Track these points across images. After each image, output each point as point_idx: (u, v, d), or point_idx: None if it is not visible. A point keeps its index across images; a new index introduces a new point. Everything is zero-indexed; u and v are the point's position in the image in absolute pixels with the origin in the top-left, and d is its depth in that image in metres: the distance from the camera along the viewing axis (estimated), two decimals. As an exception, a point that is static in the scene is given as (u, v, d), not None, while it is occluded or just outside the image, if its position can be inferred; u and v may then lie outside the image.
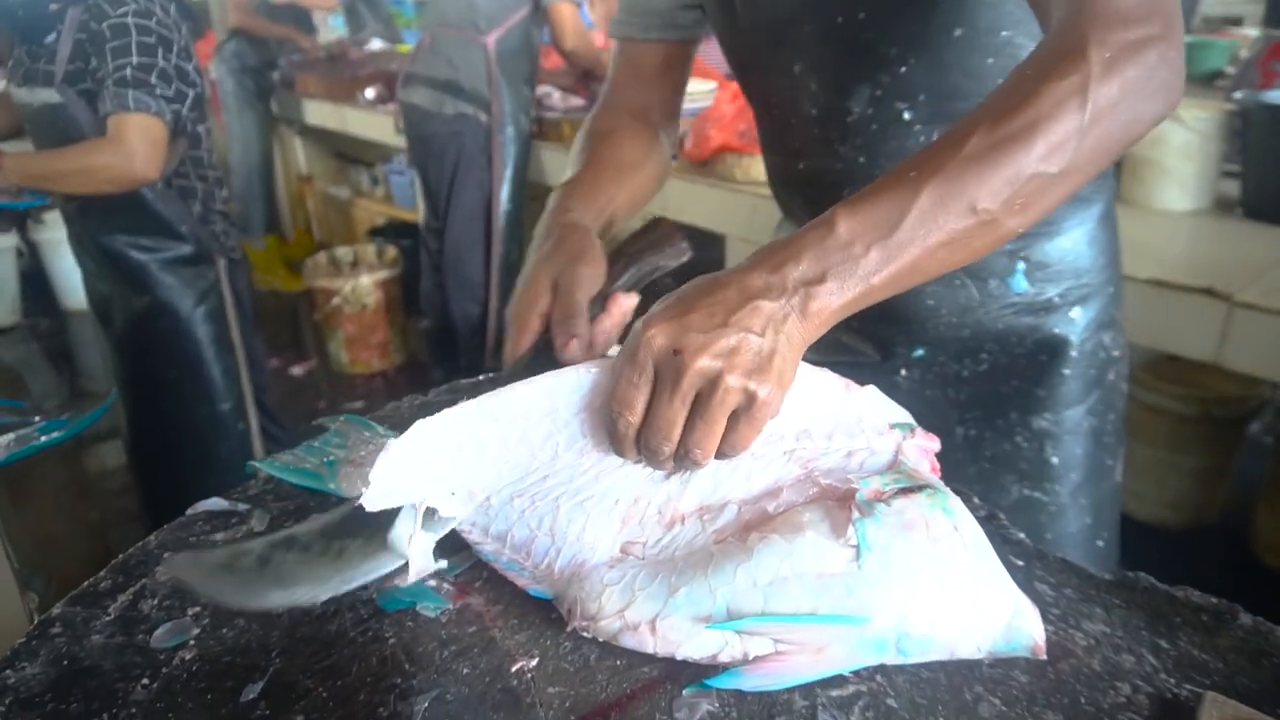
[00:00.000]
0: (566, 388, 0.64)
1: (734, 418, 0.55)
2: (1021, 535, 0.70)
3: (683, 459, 0.57)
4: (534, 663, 0.56)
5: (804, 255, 0.55)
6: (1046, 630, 0.57)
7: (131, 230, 1.84)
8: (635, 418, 0.56)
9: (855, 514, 0.55)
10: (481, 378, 0.95)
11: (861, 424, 0.66)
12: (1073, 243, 0.88)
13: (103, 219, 1.85)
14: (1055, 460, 0.91)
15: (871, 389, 0.68)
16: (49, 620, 0.61)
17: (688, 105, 2.40)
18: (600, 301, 0.75)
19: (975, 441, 0.92)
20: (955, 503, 0.58)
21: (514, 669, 0.56)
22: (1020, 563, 0.65)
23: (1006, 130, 0.55)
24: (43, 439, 1.02)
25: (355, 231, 4.26)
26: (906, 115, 0.82)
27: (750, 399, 0.54)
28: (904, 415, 0.68)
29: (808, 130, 0.87)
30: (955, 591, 0.54)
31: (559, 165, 2.75)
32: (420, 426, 0.63)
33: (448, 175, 2.68)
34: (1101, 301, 0.92)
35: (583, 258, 0.73)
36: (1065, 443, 0.91)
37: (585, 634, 0.57)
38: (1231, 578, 2.15)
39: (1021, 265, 0.87)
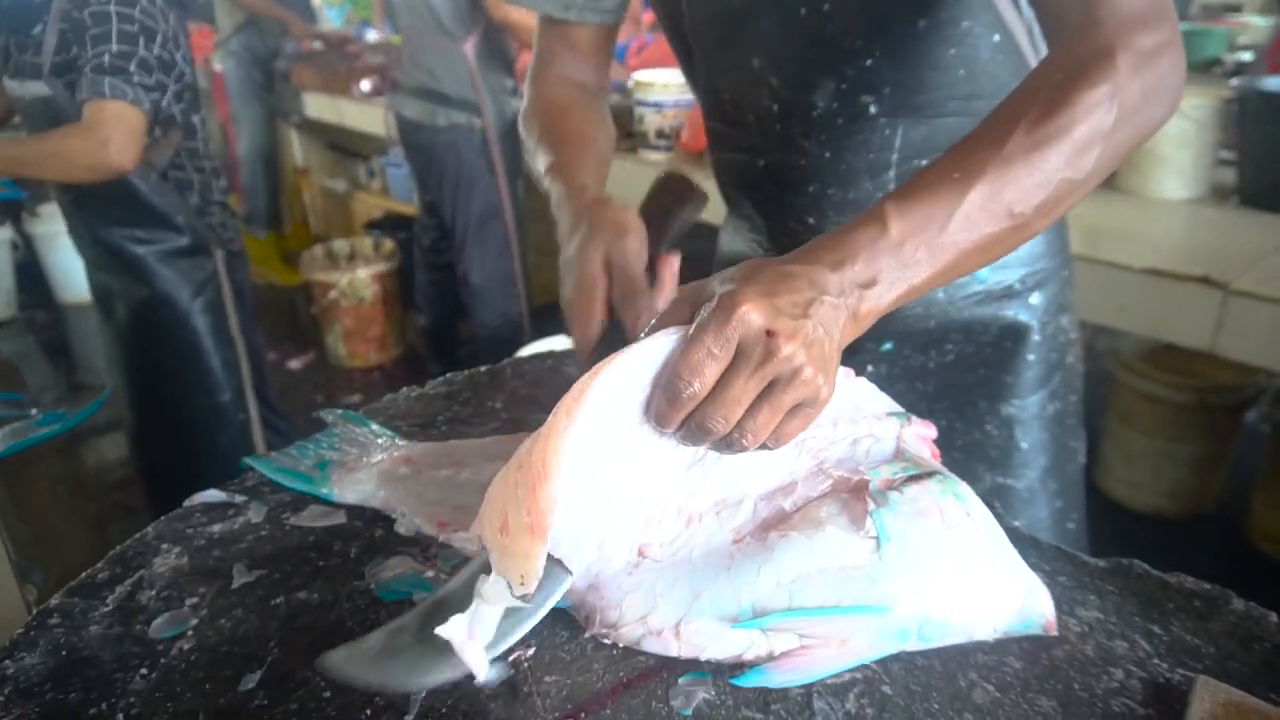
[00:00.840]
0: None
1: (791, 410, 0.54)
2: (1017, 523, 0.70)
3: (729, 441, 0.54)
4: (530, 652, 0.57)
5: (859, 255, 0.54)
6: (1040, 616, 0.57)
7: (128, 222, 1.83)
8: (703, 389, 0.52)
9: (871, 505, 0.56)
10: (483, 369, 0.95)
11: (860, 411, 0.66)
12: None
13: (99, 211, 1.84)
14: (1024, 445, 0.92)
15: (864, 378, 0.69)
16: (47, 611, 0.61)
17: (683, 97, 2.39)
18: (651, 271, 0.72)
19: (945, 432, 0.92)
20: (964, 488, 0.59)
21: (510, 658, 0.56)
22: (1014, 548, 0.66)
23: (1044, 132, 0.55)
24: (40, 432, 1.02)
25: (352, 224, 4.25)
26: (872, 109, 0.81)
27: (815, 395, 0.53)
28: (895, 404, 0.68)
29: (768, 126, 0.86)
30: (972, 575, 0.55)
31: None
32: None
33: (449, 185, 2.62)
34: (1057, 285, 0.92)
35: (627, 231, 0.71)
36: (1032, 427, 0.92)
37: (605, 640, 0.57)
38: (1228, 566, 2.15)
39: None
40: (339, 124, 3.83)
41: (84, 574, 0.65)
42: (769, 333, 0.50)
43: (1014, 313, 0.90)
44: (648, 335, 0.55)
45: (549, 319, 2.79)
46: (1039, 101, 0.56)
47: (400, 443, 0.80)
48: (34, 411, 1.09)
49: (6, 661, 0.57)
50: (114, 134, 1.60)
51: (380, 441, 0.80)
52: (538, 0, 0.92)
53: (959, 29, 0.78)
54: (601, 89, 0.98)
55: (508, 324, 2.70)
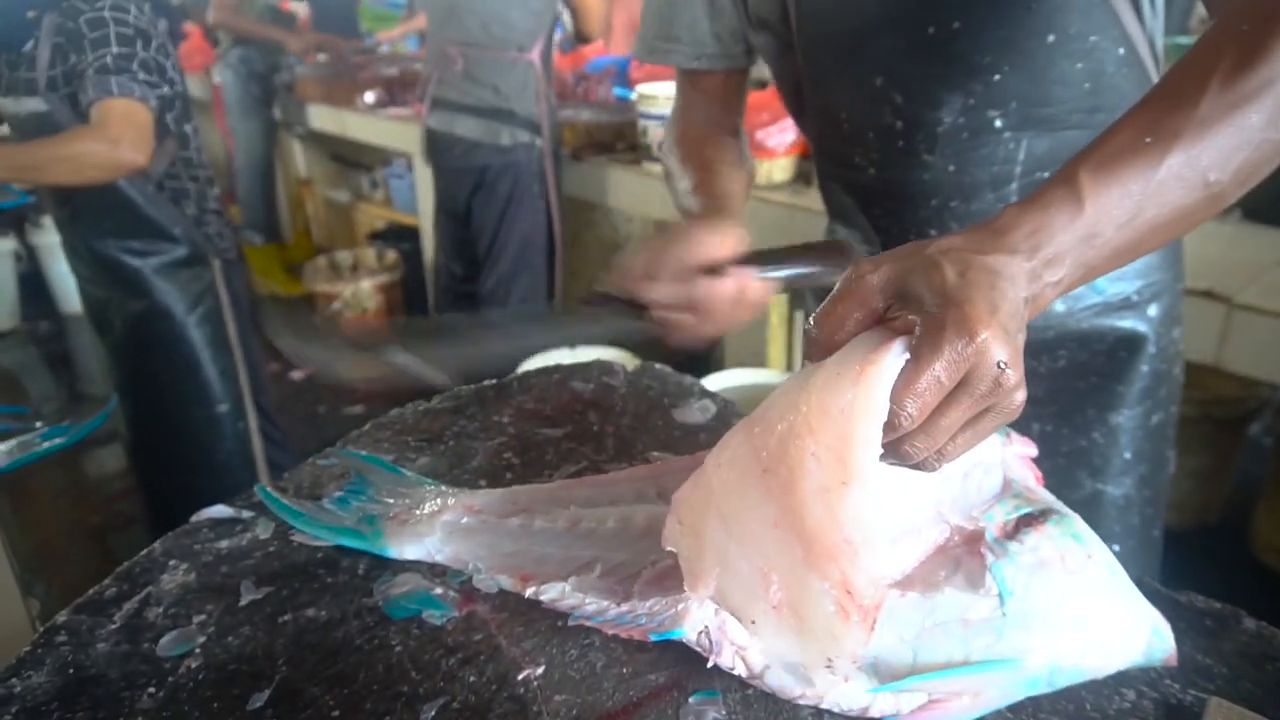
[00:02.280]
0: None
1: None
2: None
3: (920, 465, 0.50)
4: (540, 670, 0.56)
5: (1055, 237, 0.49)
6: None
7: (124, 234, 1.83)
8: (920, 418, 0.47)
9: (989, 557, 0.53)
10: (488, 383, 0.95)
11: None
12: None
13: (94, 223, 1.84)
14: (1127, 455, 0.92)
15: None
16: (54, 628, 0.61)
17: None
18: (719, 270, 0.72)
19: (1050, 438, 0.92)
20: (1081, 526, 0.56)
21: (520, 677, 0.56)
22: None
23: (1242, 88, 0.50)
24: (45, 445, 1.02)
25: (355, 235, 4.26)
26: (998, 123, 0.82)
27: (1013, 416, 0.49)
28: None
29: (888, 143, 0.86)
30: (1099, 620, 0.53)
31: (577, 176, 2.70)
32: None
33: (499, 206, 2.52)
34: (1172, 297, 0.93)
35: (703, 223, 0.74)
36: (1136, 436, 0.92)
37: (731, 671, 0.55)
38: (1231, 578, 2.14)
39: None
40: (342, 135, 3.84)
41: (91, 591, 0.65)
42: (1001, 365, 0.46)
43: (1131, 324, 0.90)
44: (850, 338, 0.50)
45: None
46: (1229, 54, 0.51)
47: (448, 489, 0.74)
48: (38, 424, 1.09)
49: (14, 680, 0.57)
50: (125, 131, 1.60)
51: (427, 489, 0.74)
52: (671, 54, 0.98)
53: (1085, 43, 0.78)
54: (734, 129, 1.02)
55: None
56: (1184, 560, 2.18)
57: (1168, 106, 0.51)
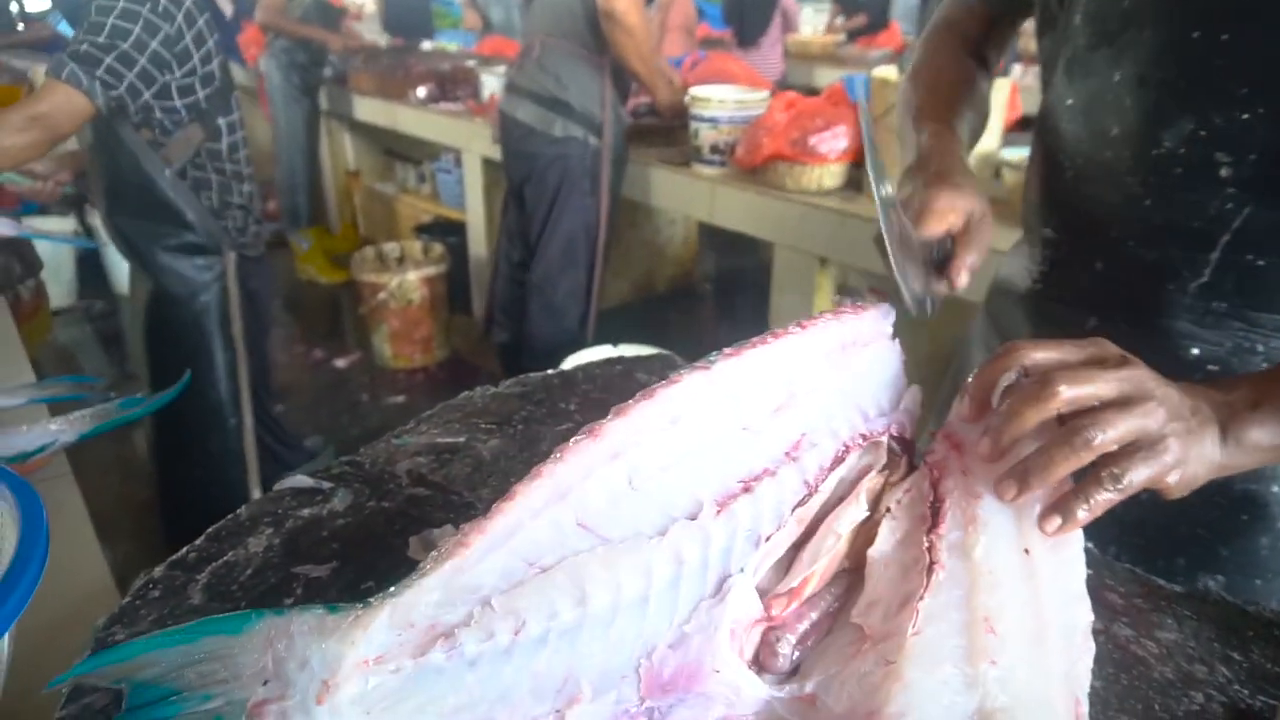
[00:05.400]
0: None
1: None
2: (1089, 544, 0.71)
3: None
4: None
5: None
6: (1121, 634, 0.58)
7: (142, 214, 1.90)
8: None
9: None
10: (552, 372, 0.97)
11: None
12: None
13: (117, 200, 1.91)
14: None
15: None
16: (151, 582, 0.64)
17: (739, 113, 2.41)
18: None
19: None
20: None
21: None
22: (1089, 570, 0.66)
23: None
24: (121, 415, 1.06)
25: (399, 227, 4.32)
26: (1224, 171, 0.68)
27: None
28: None
29: (1096, 148, 0.76)
30: None
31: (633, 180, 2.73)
32: None
33: (548, 197, 2.56)
34: None
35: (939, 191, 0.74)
36: None
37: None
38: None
39: None
40: (392, 128, 3.90)
41: (184, 549, 0.68)
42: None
43: (1259, 487, 0.78)
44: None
45: (601, 328, 2.80)
46: None
47: (318, 620, 0.47)
48: (112, 394, 1.13)
49: (115, 627, 0.59)
50: (52, 113, 1.64)
51: (285, 647, 0.46)
52: None
53: None
54: (986, 66, 0.99)
55: (563, 335, 2.70)
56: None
57: None
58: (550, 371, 0.99)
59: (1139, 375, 0.54)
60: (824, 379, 0.62)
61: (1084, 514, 0.53)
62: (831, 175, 2.20)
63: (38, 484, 0.89)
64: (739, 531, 0.52)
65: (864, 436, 0.62)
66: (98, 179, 1.93)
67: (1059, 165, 0.82)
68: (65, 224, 3.70)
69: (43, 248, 2.75)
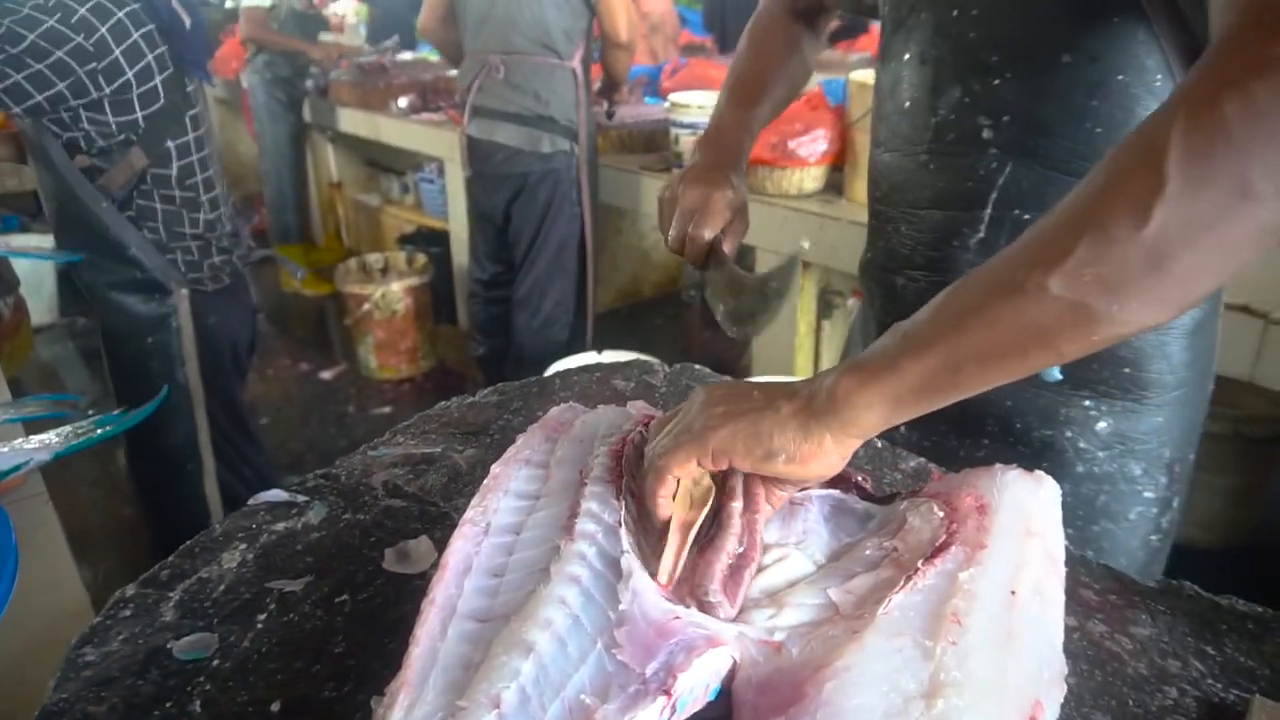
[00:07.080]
0: None
1: None
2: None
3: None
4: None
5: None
6: (1095, 630, 0.58)
7: (87, 246, 1.75)
8: None
9: None
10: (532, 379, 0.97)
11: None
12: None
13: (67, 231, 1.78)
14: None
15: None
16: (121, 601, 0.63)
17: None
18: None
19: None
20: None
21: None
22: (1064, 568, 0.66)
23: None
24: (98, 432, 1.05)
25: (384, 238, 4.31)
26: (985, 134, 0.76)
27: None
28: None
29: (897, 121, 0.85)
30: None
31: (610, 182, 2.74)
32: None
33: (539, 212, 2.54)
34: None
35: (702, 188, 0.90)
36: None
37: None
38: (1261, 599, 2.12)
39: None
40: (374, 139, 3.89)
41: (155, 567, 0.67)
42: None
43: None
44: None
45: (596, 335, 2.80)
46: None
47: None
48: (91, 412, 1.12)
49: (86, 648, 0.59)
50: None
51: None
52: None
53: (1111, 81, 0.70)
54: (812, 26, 1.06)
55: (552, 345, 2.69)
56: (1212, 579, 2.17)
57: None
58: (529, 379, 0.98)
59: (696, 396, 0.61)
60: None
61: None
62: (812, 178, 2.20)
63: (12, 504, 0.88)
64: (597, 532, 0.57)
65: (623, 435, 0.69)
66: (47, 206, 1.79)
67: (879, 141, 0.90)
68: (45, 240, 3.67)
69: (22, 265, 2.72)
